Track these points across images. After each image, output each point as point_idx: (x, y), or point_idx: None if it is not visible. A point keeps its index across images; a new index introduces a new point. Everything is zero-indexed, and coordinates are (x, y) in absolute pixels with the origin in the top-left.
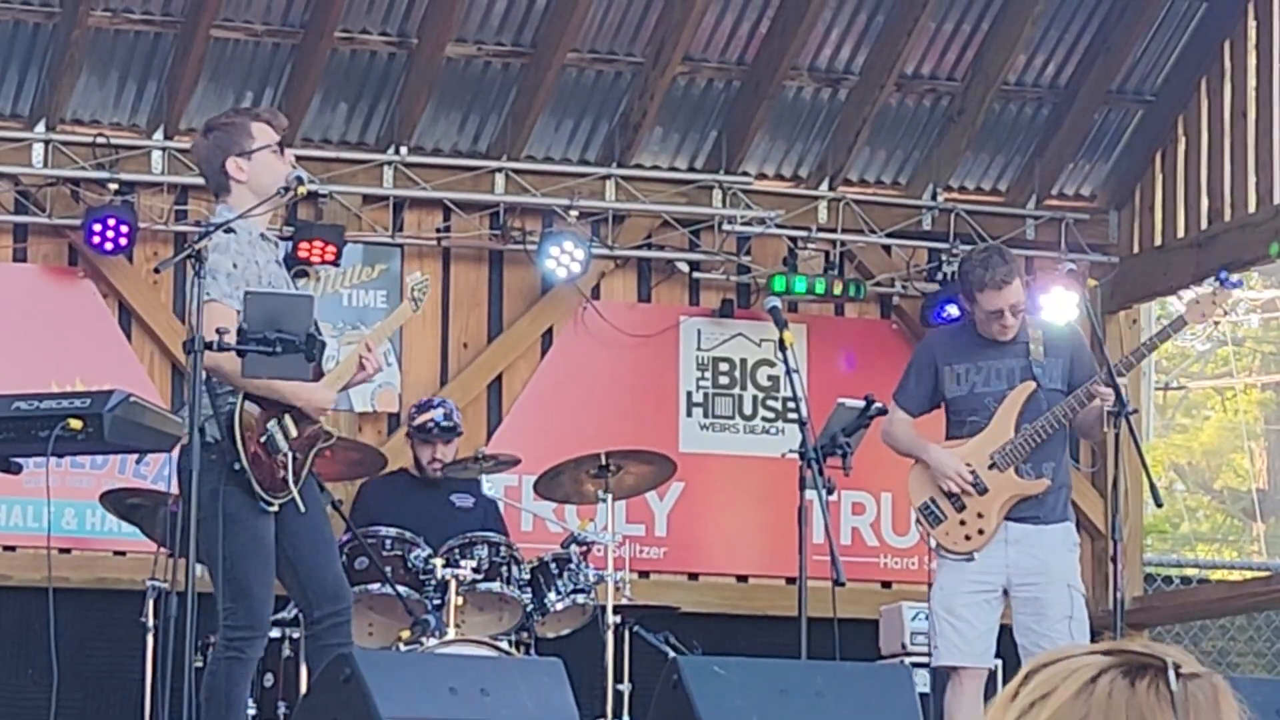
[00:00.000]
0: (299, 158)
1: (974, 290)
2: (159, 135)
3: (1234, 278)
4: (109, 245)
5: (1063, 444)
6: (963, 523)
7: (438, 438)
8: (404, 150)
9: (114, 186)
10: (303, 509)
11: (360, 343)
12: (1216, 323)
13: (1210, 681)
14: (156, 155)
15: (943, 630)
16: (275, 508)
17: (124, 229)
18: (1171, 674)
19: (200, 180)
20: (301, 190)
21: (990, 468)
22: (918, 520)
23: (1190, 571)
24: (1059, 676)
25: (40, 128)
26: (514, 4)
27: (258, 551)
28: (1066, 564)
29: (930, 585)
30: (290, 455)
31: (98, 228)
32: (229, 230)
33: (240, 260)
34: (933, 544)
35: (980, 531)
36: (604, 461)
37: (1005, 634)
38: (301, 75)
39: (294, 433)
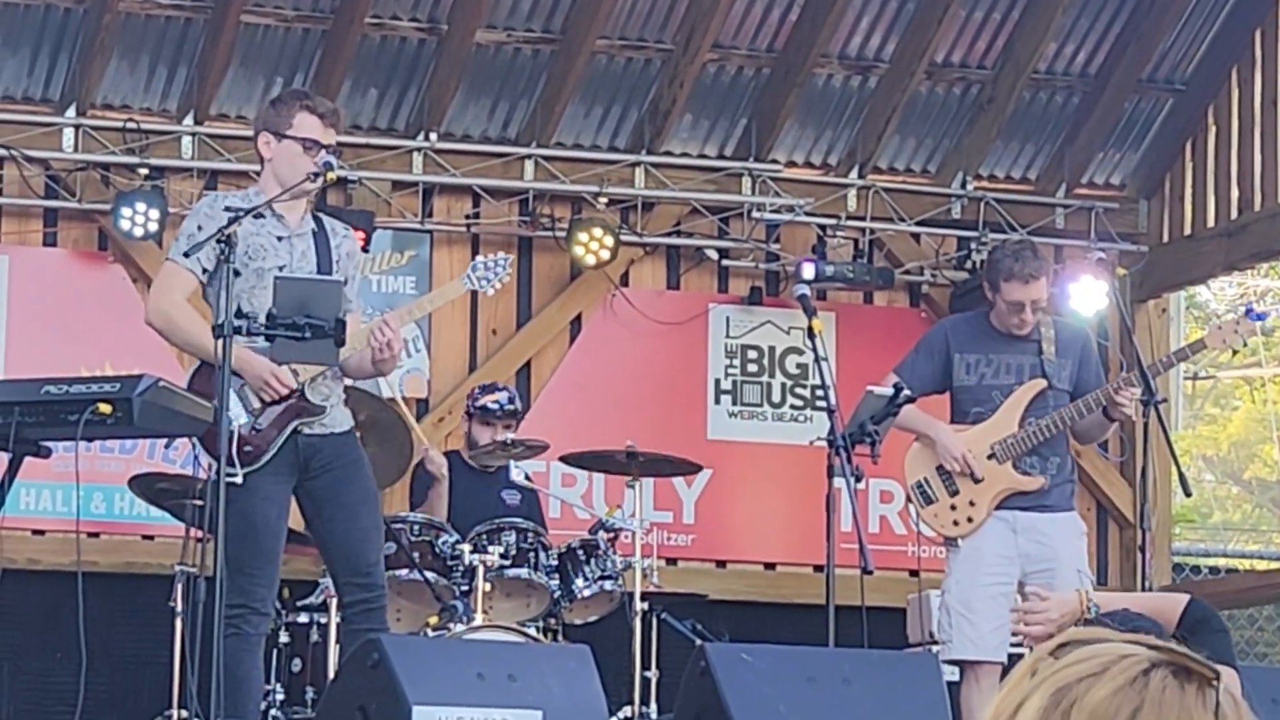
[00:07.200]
0: None
1: (999, 279)
2: (189, 120)
3: (1260, 311)
4: (139, 230)
5: (1066, 440)
6: (953, 507)
7: (499, 419)
8: (433, 136)
9: (144, 171)
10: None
11: (379, 320)
12: (1235, 351)
13: (1237, 700)
14: (186, 140)
15: (957, 624)
16: (239, 479)
17: (154, 214)
18: (1220, 686)
19: (229, 165)
20: (331, 176)
21: (989, 458)
22: (908, 498)
23: (1219, 561)
24: (1111, 658)
25: (71, 112)
26: None
27: (246, 530)
28: (1076, 550)
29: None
30: (252, 427)
31: (127, 212)
32: (235, 212)
33: (209, 225)
34: (915, 522)
35: (969, 520)
36: (628, 459)
37: None
38: (331, 61)
39: (254, 403)
